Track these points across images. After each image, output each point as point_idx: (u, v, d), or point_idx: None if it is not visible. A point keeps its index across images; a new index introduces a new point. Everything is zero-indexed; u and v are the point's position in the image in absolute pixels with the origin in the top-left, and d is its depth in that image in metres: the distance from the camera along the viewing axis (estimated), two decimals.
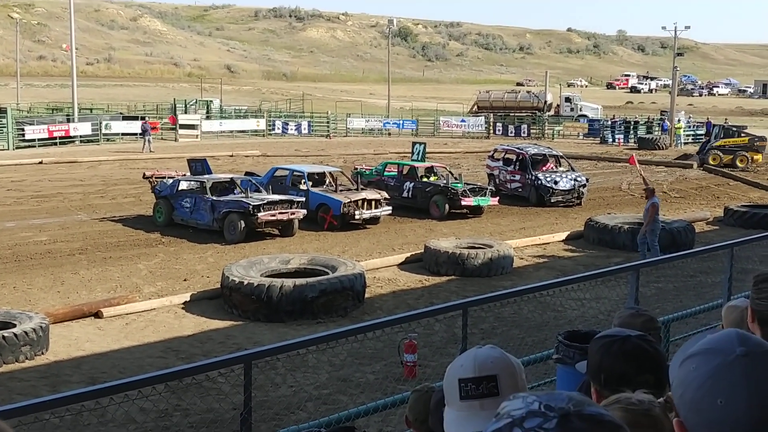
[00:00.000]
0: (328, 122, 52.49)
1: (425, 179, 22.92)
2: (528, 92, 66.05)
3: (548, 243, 18.41)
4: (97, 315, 12.22)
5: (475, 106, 63.03)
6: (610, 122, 50.95)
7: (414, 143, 25.68)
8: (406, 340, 9.10)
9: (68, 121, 42.80)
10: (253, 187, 19.80)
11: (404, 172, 23.49)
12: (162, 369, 8.14)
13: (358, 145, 44.50)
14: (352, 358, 9.79)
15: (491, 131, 52.19)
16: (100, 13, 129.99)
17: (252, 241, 18.19)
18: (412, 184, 22.55)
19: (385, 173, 23.79)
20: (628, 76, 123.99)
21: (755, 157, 34.76)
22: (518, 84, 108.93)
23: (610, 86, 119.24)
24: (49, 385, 9.57)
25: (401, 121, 54.52)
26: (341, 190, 20.37)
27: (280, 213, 18.48)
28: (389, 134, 52.45)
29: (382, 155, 39.13)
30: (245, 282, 12.37)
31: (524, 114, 57.95)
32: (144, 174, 22.17)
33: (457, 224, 20.88)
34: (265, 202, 18.36)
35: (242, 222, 18.09)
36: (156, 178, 21.22)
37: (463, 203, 21.43)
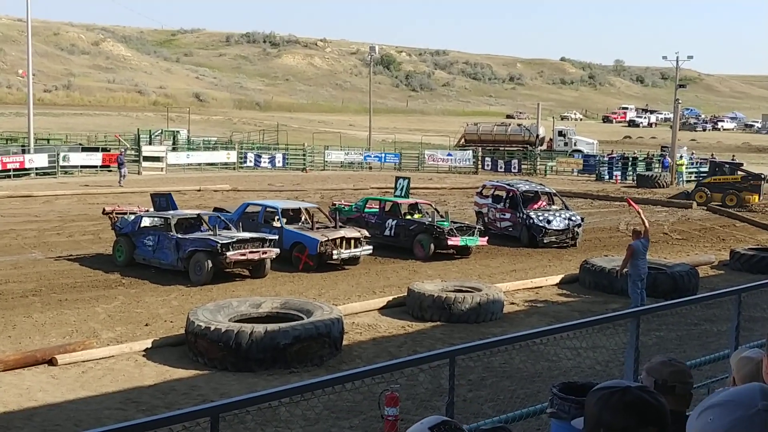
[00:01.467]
0: (304, 155, 52.64)
1: (409, 217, 22.99)
2: (519, 125, 66.71)
3: (541, 287, 18.46)
4: (51, 362, 12.07)
5: (463, 140, 63.53)
6: (606, 158, 51.45)
7: (397, 178, 25.84)
8: (388, 392, 9.00)
9: (23, 152, 42.67)
10: (222, 224, 19.73)
11: (386, 208, 23.61)
12: (121, 421, 8.03)
13: (337, 179, 44.63)
14: (329, 411, 9.71)
15: (479, 166, 52.54)
16: (60, 36, 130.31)
17: (220, 282, 18.10)
18: (395, 221, 22.60)
19: (366, 210, 23.88)
20: (626, 108, 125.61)
21: (748, 197, 34.57)
22: (508, 116, 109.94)
23: (606, 119, 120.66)
24: None
25: (383, 155, 54.80)
26: (318, 228, 20.32)
27: (250, 252, 18.29)
28: (370, 168, 52.66)
29: (363, 191, 39.26)
30: (212, 327, 12.27)
31: (515, 148, 58.43)
32: (104, 210, 22.00)
33: (443, 265, 20.90)
34: (234, 240, 18.17)
35: (209, 262, 17.89)
36: (116, 214, 21.04)
37: (449, 243, 21.47)
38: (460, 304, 15.11)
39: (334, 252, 19.57)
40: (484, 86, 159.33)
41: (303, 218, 21.37)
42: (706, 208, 34.46)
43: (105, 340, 13.59)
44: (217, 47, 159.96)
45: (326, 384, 4.88)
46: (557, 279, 18.99)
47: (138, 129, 55.65)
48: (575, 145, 60.90)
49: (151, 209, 20.90)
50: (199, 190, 36.74)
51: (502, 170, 51.31)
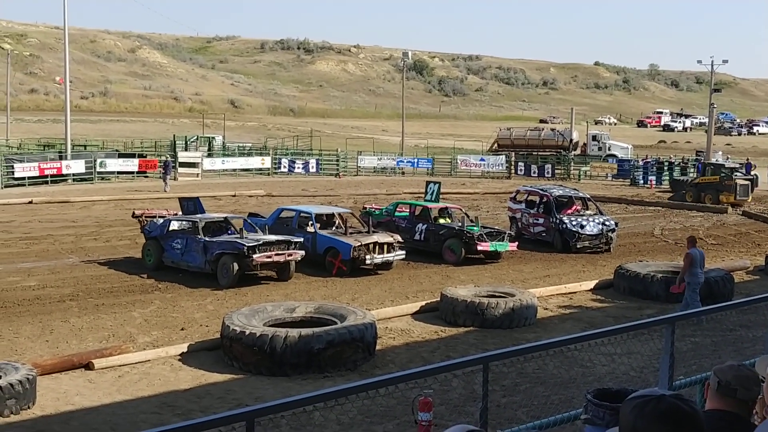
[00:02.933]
0: (337, 160, 52.82)
1: (439, 221, 22.96)
2: (552, 130, 66.40)
3: (575, 292, 18.34)
4: (88, 366, 12.21)
5: (496, 144, 63.38)
6: (641, 163, 51.03)
7: (428, 182, 25.79)
8: (421, 397, 9.01)
9: (61, 158, 43.28)
10: (249, 228, 19.85)
11: (416, 213, 23.62)
12: (156, 426, 8.10)
13: (370, 184, 44.71)
14: (363, 416, 9.72)
15: (512, 171, 52.39)
16: (96, 44, 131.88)
17: (248, 285, 18.24)
18: (425, 226, 22.60)
19: (396, 214, 23.88)
20: (661, 113, 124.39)
21: (722, 197, 35.91)
22: (542, 121, 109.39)
23: (641, 124, 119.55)
24: None
25: (416, 160, 54.82)
26: (351, 233, 20.37)
27: (276, 254, 18.51)
28: (403, 173, 52.72)
29: (395, 195, 39.28)
30: (247, 332, 12.34)
31: (548, 153, 58.20)
32: (134, 213, 22.35)
33: (476, 271, 20.85)
34: (260, 242, 18.41)
35: (235, 264, 18.11)
36: (146, 217, 21.31)
37: (479, 248, 21.45)
38: (494, 310, 15.05)
39: (367, 257, 19.61)
40: (518, 91, 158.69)
41: (336, 223, 21.42)
42: (741, 213, 34.09)
43: (141, 344, 13.72)
44: (251, 54, 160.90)
45: (361, 389, 4.89)
46: (591, 284, 18.86)
47: (174, 135, 56.13)
48: (609, 149, 60.52)
49: (180, 213, 21.09)
50: (234, 196, 37.01)
51: (536, 175, 51.10)
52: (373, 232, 20.66)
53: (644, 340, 10.52)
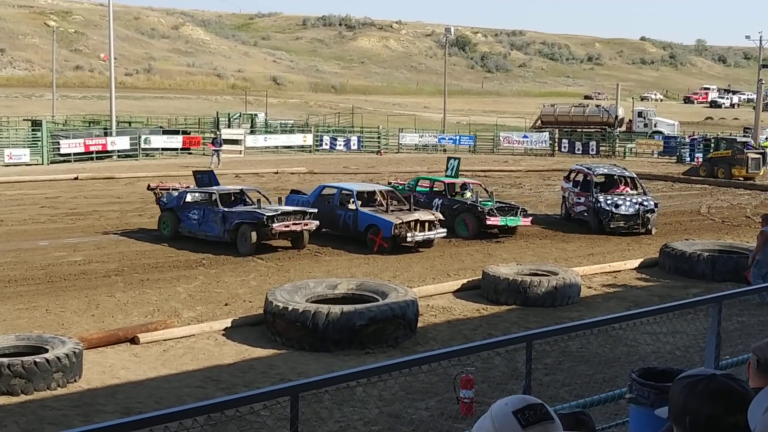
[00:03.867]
0: (379, 137, 52.81)
1: (456, 197, 23.06)
2: (597, 106, 65.65)
3: (619, 271, 18.17)
4: (133, 341, 12.38)
5: (539, 121, 62.83)
6: (688, 140, 50.25)
7: (449, 158, 26.35)
8: (463, 374, 9.03)
9: (105, 134, 43.84)
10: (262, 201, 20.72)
11: (435, 188, 23.93)
12: (201, 400, 8.21)
13: (411, 162, 44.64)
14: (405, 392, 9.76)
15: (556, 148, 51.95)
16: (140, 21, 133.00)
17: (290, 261, 18.41)
18: (441, 201, 22.79)
19: (418, 189, 24.02)
20: (708, 89, 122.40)
21: (734, 170, 37.21)
22: (586, 97, 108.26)
23: (687, 100, 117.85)
24: (81, 414, 9.71)
25: (458, 137, 54.62)
26: (392, 211, 20.38)
27: (293, 224, 19.42)
28: (444, 150, 52.51)
29: (437, 173, 39.18)
30: (289, 308, 12.43)
31: (593, 130, 57.56)
32: (149, 185, 23.15)
33: (519, 249, 20.77)
34: (278, 212, 19.41)
35: (254, 233, 19.07)
36: (161, 189, 22.13)
37: (488, 222, 21.66)
38: (536, 288, 14.97)
39: (408, 235, 19.60)
40: (562, 66, 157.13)
41: (378, 201, 21.45)
42: None
43: (186, 319, 13.89)
44: (293, 31, 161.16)
45: (403, 365, 4.90)
46: (636, 263, 18.66)
47: (217, 112, 56.59)
48: (655, 126, 59.72)
49: (193, 186, 21.94)
50: (276, 173, 37.18)
51: (580, 152, 50.61)
52: (415, 209, 20.67)
53: (690, 319, 10.40)
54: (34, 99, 77.78)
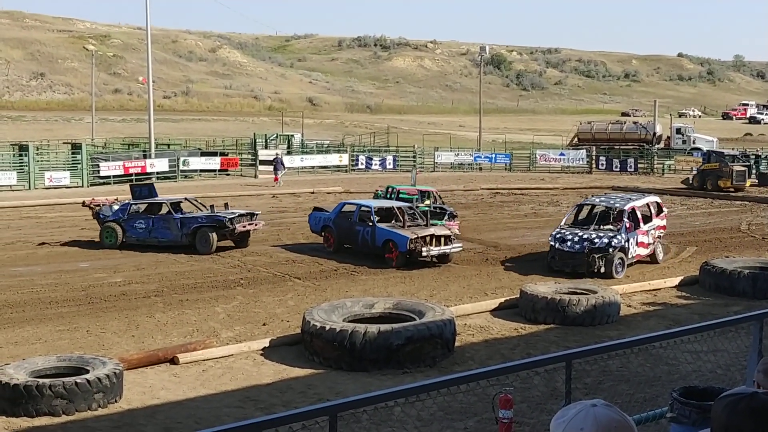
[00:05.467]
0: (414, 156, 52.85)
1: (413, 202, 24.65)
2: (634, 123, 65.10)
3: (659, 289, 17.99)
4: (173, 361, 12.48)
5: (576, 138, 62.45)
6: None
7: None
8: (502, 394, 8.97)
9: (145, 156, 44.36)
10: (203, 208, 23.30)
11: (391, 195, 25.82)
12: (240, 419, 8.25)
13: (447, 180, 44.62)
14: (443, 412, 9.71)
15: (593, 165, 51.59)
16: (178, 44, 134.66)
17: (327, 280, 18.45)
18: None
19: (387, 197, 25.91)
20: (747, 105, 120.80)
21: (720, 182, 39.43)
22: (623, 114, 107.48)
23: (726, 116, 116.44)
24: None
25: (494, 155, 54.48)
26: (409, 226, 20.88)
27: (248, 224, 22.42)
28: (480, 169, 52.45)
29: (473, 191, 39.14)
30: (327, 327, 12.46)
31: (630, 147, 57.13)
32: (84, 202, 25.05)
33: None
34: (236, 215, 22.24)
35: (214, 234, 21.80)
36: (94, 205, 23.85)
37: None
38: (575, 307, 14.86)
39: (424, 249, 20.07)
40: (598, 84, 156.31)
41: (396, 216, 21.79)
42: None
43: (224, 339, 13.98)
44: (329, 52, 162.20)
45: (441, 385, 4.90)
46: (676, 281, 18.47)
47: (254, 133, 56.96)
48: (694, 142, 59.07)
49: (120, 200, 24.27)
50: (313, 192, 37.36)
51: (618, 169, 50.25)
52: (431, 225, 21.14)
53: (731, 337, 10.25)
54: (73, 122, 79.01)
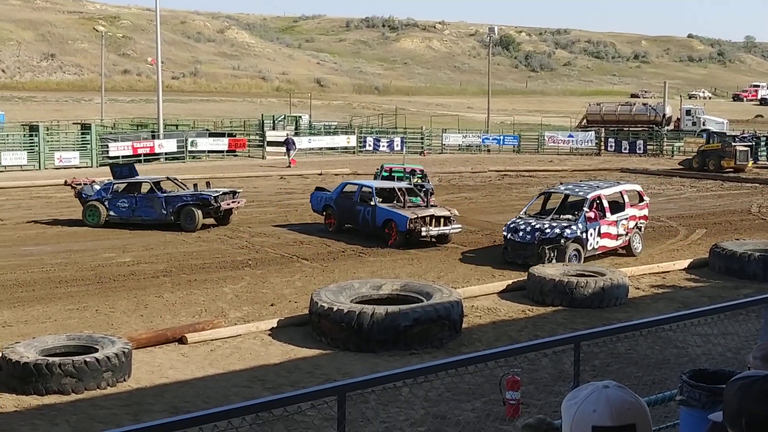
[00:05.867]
0: (422, 138, 52.73)
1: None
2: (644, 104, 64.84)
3: (668, 272, 17.93)
4: (181, 340, 12.52)
5: (585, 120, 62.23)
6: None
7: None
8: (509, 376, 8.98)
9: (153, 137, 44.34)
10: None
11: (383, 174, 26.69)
12: (248, 399, 8.27)
13: (455, 162, 44.54)
14: (450, 393, 9.73)
15: (602, 147, 51.41)
16: (187, 25, 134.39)
17: (334, 261, 18.45)
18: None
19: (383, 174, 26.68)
20: (758, 86, 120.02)
21: (724, 162, 39.46)
22: (633, 95, 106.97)
23: (736, 98, 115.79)
24: (131, 413, 9.84)
25: (502, 137, 54.32)
26: (409, 206, 21.16)
27: (231, 202, 23.03)
28: (488, 151, 52.31)
29: (481, 173, 39.06)
30: (334, 308, 12.47)
31: (640, 128, 56.90)
32: (66, 181, 25.82)
33: None
34: (220, 193, 22.82)
35: (200, 212, 22.33)
36: (75, 184, 24.25)
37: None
38: (583, 289, 14.83)
39: (423, 229, 20.31)
40: (607, 65, 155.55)
41: (397, 197, 22.02)
42: None
43: (232, 319, 14.01)
44: (337, 33, 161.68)
45: (449, 366, 4.89)
46: (685, 264, 18.39)
47: (262, 114, 56.91)
48: (704, 124, 58.80)
49: (95, 182, 24.44)
50: (321, 174, 37.32)
51: (626, 151, 50.10)
52: (431, 206, 21.46)
53: (741, 320, 10.24)
54: (83, 103, 79.05)
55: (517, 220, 19.07)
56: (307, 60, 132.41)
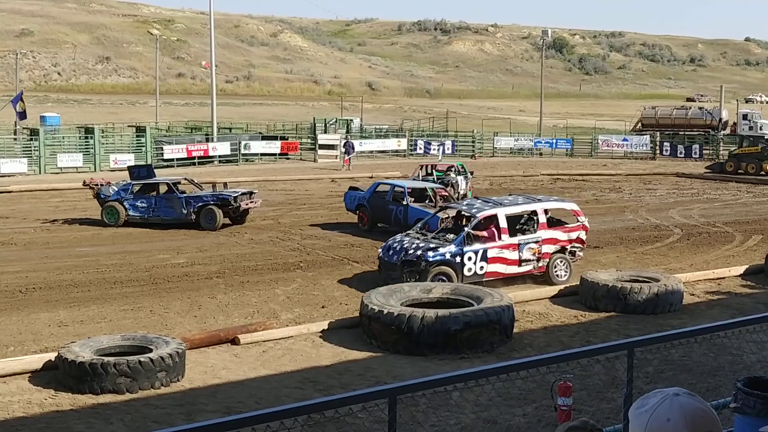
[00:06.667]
0: (473, 141, 52.57)
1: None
2: (700, 108, 63.76)
3: (723, 278, 17.63)
4: (234, 341, 12.66)
5: (639, 124, 61.41)
6: None
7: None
8: (560, 381, 8.91)
9: (207, 140, 44.87)
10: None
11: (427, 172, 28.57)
12: (299, 400, 8.34)
13: (506, 165, 44.32)
14: (501, 398, 9.67)
15: (657, 151, 50.75)
16: (240, 29, 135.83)
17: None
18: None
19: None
20: None
21: (764, 165, 39.01)
22: (688, 99, 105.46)
23: None
24: (184, 413, 9.98)
25: (554, 140, 53.88)
26: (441, 206, 21.50)
27: (250, 201, 23.87)
28: (540, 154, 51.94)
29: (533, 177, 38.81)
30: (385, 311, 12.51)
31: (695, 133, 55.99)
32: (84, 181, 26.17)
33: (618, 255, 20.39)
34: (239, 194, 23.44)
35: (220, 211, 22.99)
36: (93, 185, 24.81)
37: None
38: (637, 295, 14.66)
39: None
40: (663, 68, 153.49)
41: (429, 197, 22.80)
42: None
43: (284, 320, 14.13)
44: (389, 36, 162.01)
45: (501, 370, 4.88)
46: (741, 270, 18.07)
47: (314, 118, 57.26)
48: (761, 129, 57.63)
49: (113, 183, 24.89)
50: (371, 177, 37.38)
51: (682, 156, 49.39)
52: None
53: None
54: (138, 106, 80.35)
55: (398, 237, 17.37)
56: (358, 63, 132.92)
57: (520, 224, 17.61)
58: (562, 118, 73.03)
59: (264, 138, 48.40)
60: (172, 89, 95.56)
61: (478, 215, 16.85)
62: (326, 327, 13.43)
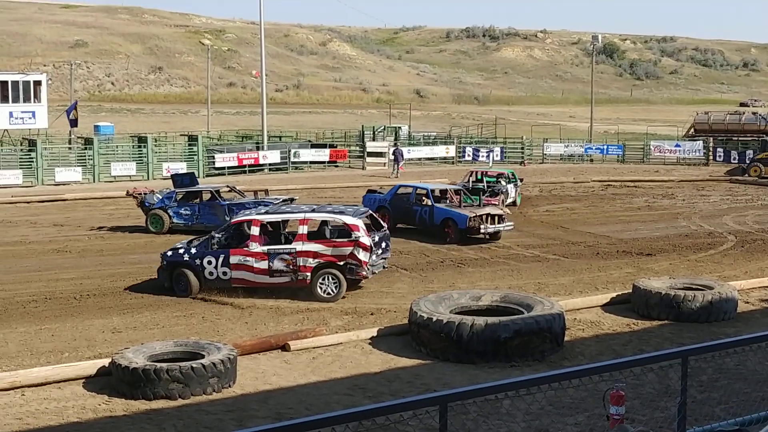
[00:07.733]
0: (522, 148, 52.26)
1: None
2: (754, 114, 62.63)
3: None
4: (284, 348, 12.74)
5: (692, 129, 60.48)
6: None
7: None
8: (613, 390, 8.80)
9: (258, 148, 45.29)
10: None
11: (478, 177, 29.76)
12: (349, 407, 8.35)
13: (556, 172, 44.00)
14: (552, 407, 9.62)
15: (711, 157, 49.98)
16: (290, 38, 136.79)
17: (434, 272, 18.45)
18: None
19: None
20: None
21: None
22: (742, 104, 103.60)
23: None
24: (235, 419, 10.06)
25: (605, 146, 53.33)
26: (465, 206, 23.01)
27: None
28: (591, 161, 51.44)
29: (583, 183, 38.46)
30: (434, 318, 12.48)
31: (749, 138, 54.99)
32: (127, 191, 27.07)
33: (671, 263, 20.11)
34: (279, 201, 22.71)
35: None
36: (137, 194, 25.34)
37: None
38: (690, 303, 14.44)
39: (482, 227, 21.98)
40: (715, 73, 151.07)
41: (449, 198, 23.84)
42: None
43: (334, 327, 14.18)
44: (437, 43, 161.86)
45: (553, 379, 4.85)
46: None
47: (362, 126, 57.42)
48: None
49: (160, 190, 25.60)
50: None
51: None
52: (485, 205, 23.86)
53: None
54: (190, 115, 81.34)
55: (193, 240, 17.79)
56: (407, 71, 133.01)
57: (284, 234, 17.30)
58: (613, 123, 72.24)
59: (313, 146, 48.71)
60: (223, 98, 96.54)
61: (231, 221, 17.55)
62: (375, 334, 13.46)
